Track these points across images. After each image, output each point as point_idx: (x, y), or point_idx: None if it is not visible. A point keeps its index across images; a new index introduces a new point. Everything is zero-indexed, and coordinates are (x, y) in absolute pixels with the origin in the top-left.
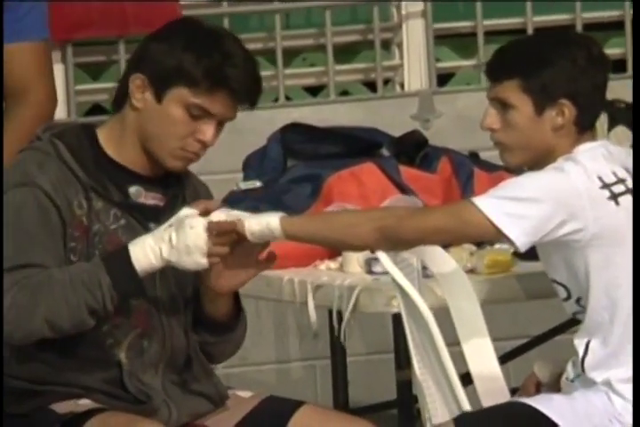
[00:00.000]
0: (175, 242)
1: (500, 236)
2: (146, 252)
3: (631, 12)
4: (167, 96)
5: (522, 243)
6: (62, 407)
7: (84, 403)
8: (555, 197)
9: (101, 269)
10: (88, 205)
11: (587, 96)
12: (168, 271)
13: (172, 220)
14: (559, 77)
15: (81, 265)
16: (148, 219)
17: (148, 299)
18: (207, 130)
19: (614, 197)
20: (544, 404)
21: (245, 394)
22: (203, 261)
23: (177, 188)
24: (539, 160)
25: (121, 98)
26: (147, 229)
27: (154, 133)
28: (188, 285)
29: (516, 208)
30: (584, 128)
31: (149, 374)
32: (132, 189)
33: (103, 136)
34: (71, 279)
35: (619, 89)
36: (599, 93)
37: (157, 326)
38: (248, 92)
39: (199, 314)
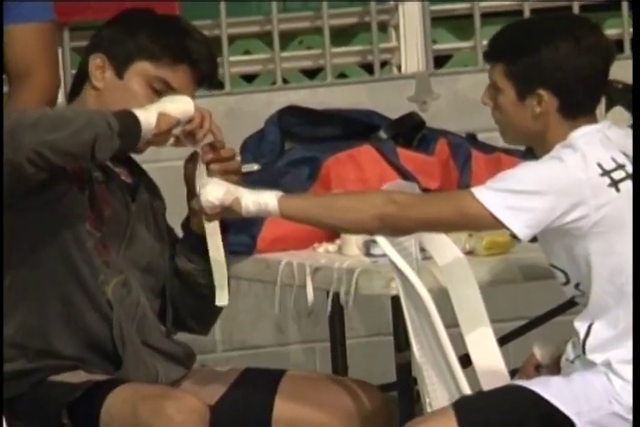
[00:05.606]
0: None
1: (502, 227)
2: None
3: None
4: (129, 71)
5: (525, 235)
6: (69, 378)
7: (84, 375)
8: (555, 188)
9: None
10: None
11: (571, 86)
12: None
13: None
14: (539, 66)
15: None
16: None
17: (125, 256)
18: None
19: (615, 183)
20: (542, 387)
21: (223, 368)
22: (191, 104)
23: (138, 168)
24: (532, 142)
25: (78, 85)
26: (126, 201)
27: (115, 109)
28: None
29: (517, 201)
30: (573, 116)
31: (128, 327)
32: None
33: None
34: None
35: (616, 69)
36: (590, 82)
37: (133, 282)
38: (208, 67)
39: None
